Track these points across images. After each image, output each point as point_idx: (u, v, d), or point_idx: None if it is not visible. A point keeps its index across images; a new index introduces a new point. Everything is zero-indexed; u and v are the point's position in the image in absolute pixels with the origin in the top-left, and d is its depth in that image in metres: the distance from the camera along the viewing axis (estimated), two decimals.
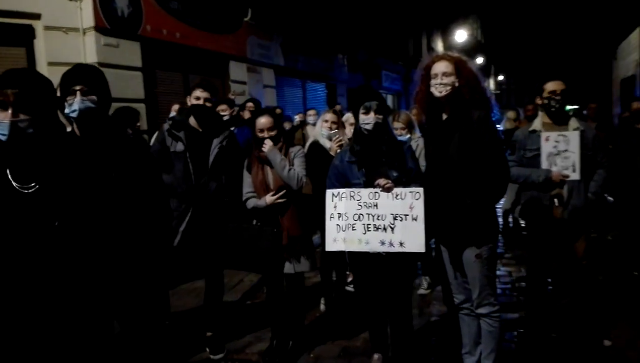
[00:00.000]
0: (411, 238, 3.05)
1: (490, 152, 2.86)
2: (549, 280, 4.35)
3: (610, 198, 7.18)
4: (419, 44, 26.11)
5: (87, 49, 6.97)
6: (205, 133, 3.88)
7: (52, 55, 6.66)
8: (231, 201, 3.90)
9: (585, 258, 3.93)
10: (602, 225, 6.95)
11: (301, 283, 3.81)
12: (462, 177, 2.91)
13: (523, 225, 6.46)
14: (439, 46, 31.42)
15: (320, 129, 4.64)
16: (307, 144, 4.73)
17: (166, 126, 3.87)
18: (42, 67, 6.56)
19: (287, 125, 9.39)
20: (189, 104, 3.88)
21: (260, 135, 3.69)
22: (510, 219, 7.63)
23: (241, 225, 3.65)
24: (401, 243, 3.06)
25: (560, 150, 3.67)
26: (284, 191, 3.57)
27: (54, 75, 2.39)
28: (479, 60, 40.25)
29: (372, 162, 3.24)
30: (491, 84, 50.61)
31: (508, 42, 46.63)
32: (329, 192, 3.23)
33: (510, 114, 7.93)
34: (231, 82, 10.04)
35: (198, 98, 3.80)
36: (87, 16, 6.95)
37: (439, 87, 2.98)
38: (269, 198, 3.57)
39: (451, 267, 3.20)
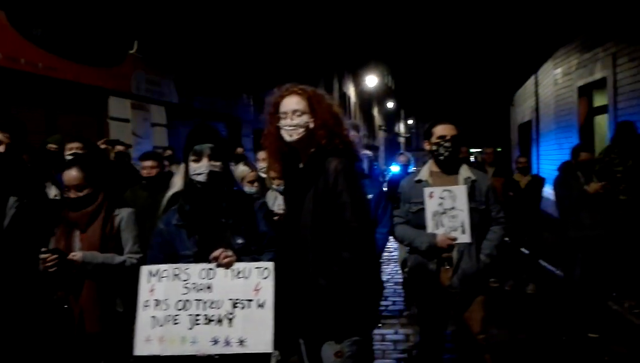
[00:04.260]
0: (255, 332, 2.22)
1: (350, 216, 2.15)
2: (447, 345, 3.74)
3: (525, 250, 6.91)
4: (330, 85, 26.20)
5: None
6: None
7: None
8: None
9: (484, 332, 3.31)
10: (520, 278, 6.71)
11: None
12: (316, 248, 2.17)
13: None
14: (351, 90, 31.94)
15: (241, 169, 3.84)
16: None
17: None
18: None
19: (175, 168, 8.42)
20: None
21: (66, 194, 2.84)
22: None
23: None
24: (241, 341, 2.22)
25: (447, 208, 3.07)
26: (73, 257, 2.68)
27: None
28: (390, 104, 41.65)
29: (208, 225, 2.41)
30: (402, 127, 52.43)
31: (416, 87, 48.75)
32: (144, 270, 2.35)
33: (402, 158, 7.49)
34: (110, 119, 8.92)
35: None
36: None
37: (289, 129, 2.27)
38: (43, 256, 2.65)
39: None
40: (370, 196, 3.25)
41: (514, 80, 18.07)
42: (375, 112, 39.74)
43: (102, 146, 6.24)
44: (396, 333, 5.23)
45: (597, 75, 9.47)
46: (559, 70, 11.92)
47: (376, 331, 5.05)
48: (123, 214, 2.93)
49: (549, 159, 12.77)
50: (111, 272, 2.73)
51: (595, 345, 4.66)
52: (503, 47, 16.86)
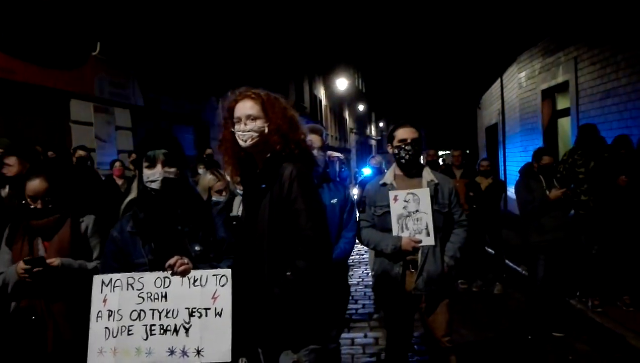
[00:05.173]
0: (213, 342, 2.15)
1: (304, 223, 2.11)
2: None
3: (491, 250, 7.02)
4: (301, 88, 26.14)
5: None
6: None
7: None
8: None
9: (449, 334, 3.31)
10: (486, 279, 6.86)
11: None
12: (271, 256, 2.12)
13: None
14: (321, 92, 31.95)
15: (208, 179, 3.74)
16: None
17: None
18: None
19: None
20: None
21: (33, 205, 2.73)
22: None
23: None
24: (198, 351, 2.15)
25: (411, 211, 3.06)
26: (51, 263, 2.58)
27: None
28: (361, 107, 41.84)
29: (163, 233, 2.33)
30: (373, 130, 52.79)
31: (386, 90, 49.22)
32: (96, 279, 2.25)
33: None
34: (72, 123, 8.66)
35: None
36: None
37: (243, 134, 2.22)
38: (21, 265, 2.56)
39: None
40: (334, 200, 3.21)
41: (481, 83, 18.41)
42: (347, 114, 39.87)
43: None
44: (365, 336, 5.21)
45: (560, 79, 9.69)
46: (523, 73, 12.17)
47: (345, 335, 5.02)
48: (88, 221, 2.87)
49: (514, 161, 13.02)
50: (85, 278, 2.65)
51: (560, 344, 4.74)
52: (470, 51, 17.15)
